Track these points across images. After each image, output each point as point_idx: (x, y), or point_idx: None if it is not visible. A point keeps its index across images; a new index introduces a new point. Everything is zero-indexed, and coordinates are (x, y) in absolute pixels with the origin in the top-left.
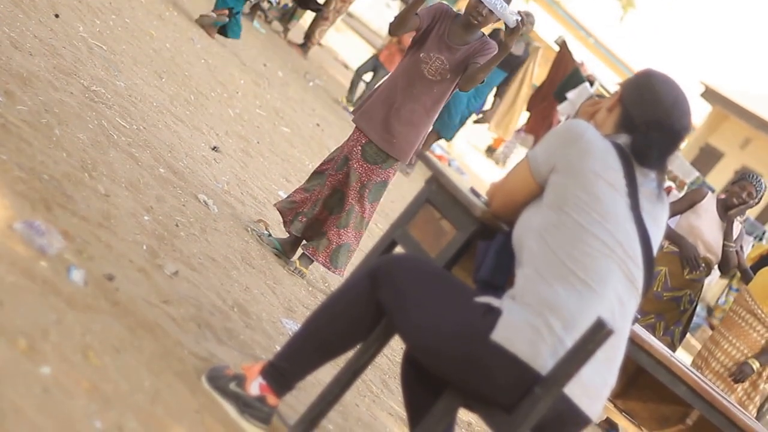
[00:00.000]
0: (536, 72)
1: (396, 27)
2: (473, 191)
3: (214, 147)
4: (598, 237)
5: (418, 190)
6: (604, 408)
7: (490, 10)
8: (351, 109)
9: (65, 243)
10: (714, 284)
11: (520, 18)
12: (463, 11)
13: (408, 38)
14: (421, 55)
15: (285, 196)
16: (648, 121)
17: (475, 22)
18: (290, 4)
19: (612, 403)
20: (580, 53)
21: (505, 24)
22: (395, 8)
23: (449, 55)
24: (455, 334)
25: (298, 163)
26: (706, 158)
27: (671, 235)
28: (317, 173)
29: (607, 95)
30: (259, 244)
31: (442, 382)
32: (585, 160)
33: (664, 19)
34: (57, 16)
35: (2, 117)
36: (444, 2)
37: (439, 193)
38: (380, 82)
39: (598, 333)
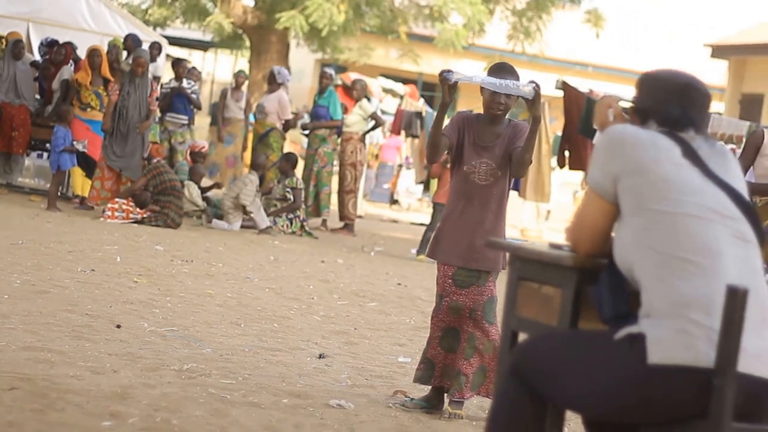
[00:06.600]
0: (550, 125)
1: (431, 154)
2: (554, 246)
3: (320, 355)
4: (689, 214)
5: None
6: None
7: (507, 95)
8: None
9: None
10: None
11: (535, 85)
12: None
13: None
14: (465, 169)
15: (405, 359)
16: (663, 98)
17: (499, 112)
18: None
19: None
20: (585, 85)
21: (524, 98)
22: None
23: (490, 155)
24: (616, 380)
25: (401, 326)
26: (750, 107)
27: (757, 188)
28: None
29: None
30: (408, 412)
31: (631, 428)
32: (639, 154)
33: (639, 18)
34: (119, 326)
35: None
36: (460, 111)
37: (525, 265)
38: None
39: (736, 299)
